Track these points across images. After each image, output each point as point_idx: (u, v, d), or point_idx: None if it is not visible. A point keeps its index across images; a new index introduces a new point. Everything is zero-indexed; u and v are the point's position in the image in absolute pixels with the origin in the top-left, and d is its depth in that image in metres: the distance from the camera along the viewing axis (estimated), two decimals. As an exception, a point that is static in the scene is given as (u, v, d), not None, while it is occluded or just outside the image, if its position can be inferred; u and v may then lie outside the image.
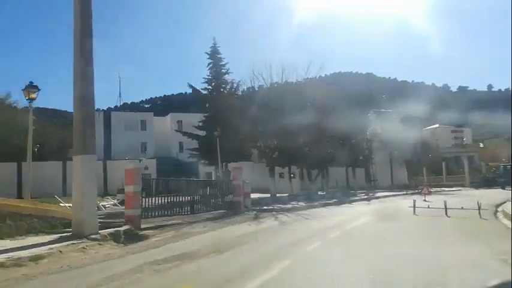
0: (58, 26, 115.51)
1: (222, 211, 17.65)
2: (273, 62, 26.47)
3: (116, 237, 10.30)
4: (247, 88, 28.04)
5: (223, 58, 29.56)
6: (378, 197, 29.26)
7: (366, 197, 29.27)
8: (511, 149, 40.21)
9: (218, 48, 29.46)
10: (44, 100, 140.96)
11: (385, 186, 40.48)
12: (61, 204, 19.04)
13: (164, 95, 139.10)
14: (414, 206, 15.92)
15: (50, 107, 73.33)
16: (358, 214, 16.75)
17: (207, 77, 29.31)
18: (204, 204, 17.16)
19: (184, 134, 32.86)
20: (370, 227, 12.31)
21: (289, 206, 20.56)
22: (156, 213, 14.27)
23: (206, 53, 29.38)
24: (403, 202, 24.09)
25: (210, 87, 29.35)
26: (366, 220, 14.19)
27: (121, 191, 19.29)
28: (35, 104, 16.71)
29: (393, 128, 38.16)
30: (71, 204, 18.93)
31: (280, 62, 26.56)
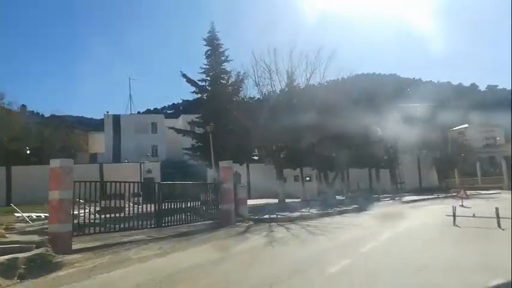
0: (57, 27, 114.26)
1: (210, 222, 13.95)
2: (278, 47, 22.05)
3: (7, 270, 6.75)
4: (265, 93, 23.51)
5: (223, 45, 25.85)
6: (405, 202, 24.90)
7: (391, 201, 24.99)
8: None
9: (217, 33, 25.67)
10: (43, 104, 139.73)
11: (412, 189, 35.73)
12: (16, 215, 15.79)
13: (187, 100, 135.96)
14: (454, 215, 11.85)
15: (48, 112, 71.58)
16: (381, 225, 12.73)
17: (204, 66, 25.50)
18: (189, 212, 13.51)
19: (179, 131, 29.27)
20: (397, 248, 8.29)
21: (296, 214, 16.62)
22: (114, 227, 10.76)
23: (203, 39, 25.62)
24: (436, 208, 19.90)
25: (208, 77, 25.66)
26: (392, 235, 10.17)
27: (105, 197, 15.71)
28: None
29: (420, 126, 33.65)
30: (33, 214, 15.75)
31: (288, 49, 22.19)
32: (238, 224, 13.66)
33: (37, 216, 15.58)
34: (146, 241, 9.87)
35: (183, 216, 13.03)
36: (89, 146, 53.30)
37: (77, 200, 14.20)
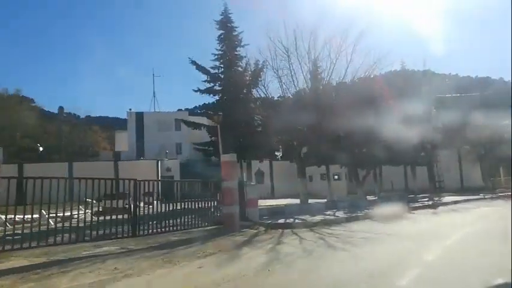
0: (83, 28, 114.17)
1: (210, 228, 11.45)
2: (296, 28, 18.73)
3: None
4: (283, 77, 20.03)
5: (237, 27, 22.89)
6: (446, 203, 21.43)
7: (430, 203, 21.61)
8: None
9: (230, 15, 22.91)
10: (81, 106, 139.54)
11: (453, 188, 31.78)
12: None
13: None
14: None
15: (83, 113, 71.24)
16: (424, 235, 9.76)
17: (216, 51, 22.80)
18: (184, 216, 11.02)
19: (189, 124, 26.81)
20: (456, 283, 5.35)
21: (318, 218, 13.76)
22: (81, 236, 8.45)
23: (215, 21, 22.80)
24: (486, 211, 16.54)
25: (221, 65, 23.00)
26: (443, 252, 7.23)
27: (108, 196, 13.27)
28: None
29: (462, 119, 29.78)
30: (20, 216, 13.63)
31: (309, 30, 18.89)
32: (243, 230, 11.00)
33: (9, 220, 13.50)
34: (109, 256, 7.40)
35: (173, 222, 10.54)
36: (116, 145, 52.29)
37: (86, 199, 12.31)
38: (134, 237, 8.95)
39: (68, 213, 13.26)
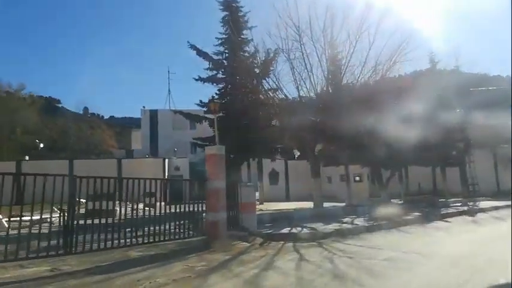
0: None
1: (189, 239, 9.03)
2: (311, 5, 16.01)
3: None
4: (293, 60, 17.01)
5: (242, 7, 20.32)
6: (485, 209, 18.36)
7: (464, 208, 18.58)
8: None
9: (236, -6, 20.37)
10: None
11: (488, 192, 28.22)
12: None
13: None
14: None
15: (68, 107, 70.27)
16: (471, 256, 7.05)
17: (220, 35, 20.25)
18: (155, 225, 8.64)
19: (188, 116, 24.51)
20: None
21: (332, 226, 11.10)
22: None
23: (218, 1, 20.09)
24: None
25: (225, 50, 20.59)
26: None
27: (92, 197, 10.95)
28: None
29: (498, 113, 26.31)
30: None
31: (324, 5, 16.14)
32: (233, 243, 8.49)
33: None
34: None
35: (148, 231, 8.15)
36: (132, 143, 50.99)
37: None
38: (70, 255, 6.55)
39: (38, 218, 11.06)
